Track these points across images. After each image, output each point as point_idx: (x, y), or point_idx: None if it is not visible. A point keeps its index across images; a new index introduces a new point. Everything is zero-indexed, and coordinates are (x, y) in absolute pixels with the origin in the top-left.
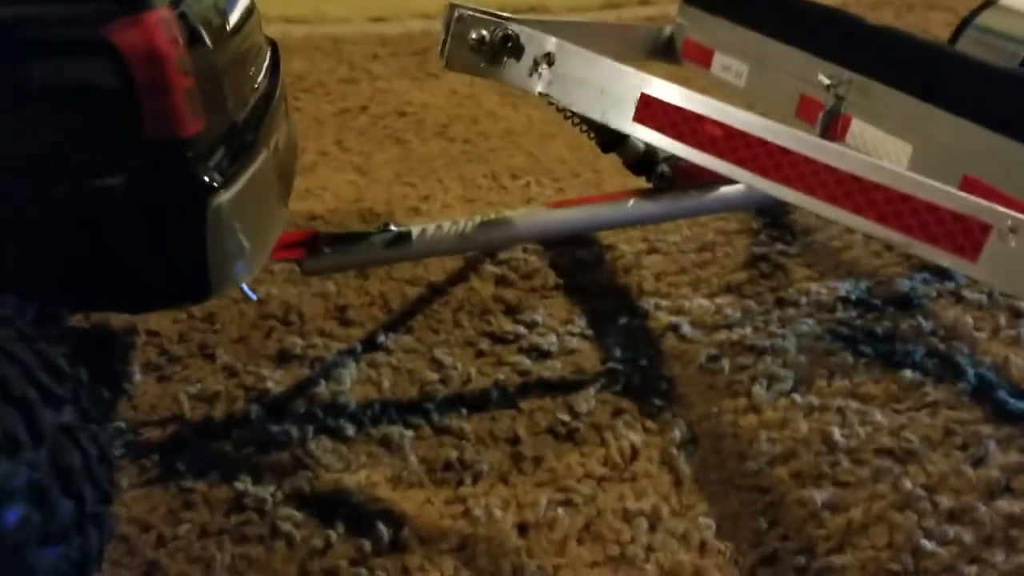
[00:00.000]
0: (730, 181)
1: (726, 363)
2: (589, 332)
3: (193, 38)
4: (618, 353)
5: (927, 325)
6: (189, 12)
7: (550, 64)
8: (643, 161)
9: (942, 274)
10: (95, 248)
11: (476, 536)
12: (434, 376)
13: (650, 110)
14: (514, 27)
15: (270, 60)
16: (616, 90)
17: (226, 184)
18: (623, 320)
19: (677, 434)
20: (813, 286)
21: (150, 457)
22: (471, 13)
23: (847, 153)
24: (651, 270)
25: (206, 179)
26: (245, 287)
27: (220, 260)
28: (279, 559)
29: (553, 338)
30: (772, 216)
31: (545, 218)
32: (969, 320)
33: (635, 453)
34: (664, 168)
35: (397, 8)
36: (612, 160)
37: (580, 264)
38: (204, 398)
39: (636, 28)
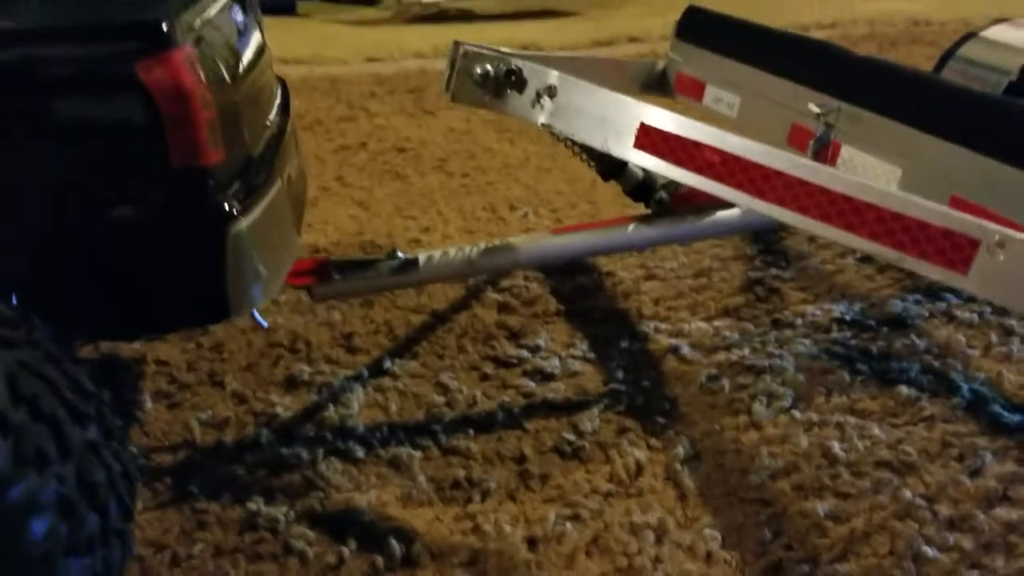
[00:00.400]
0: (727, 206)
1: (726, 382)
2: (591, 355)
3: (213, 74)
4: (620, 375)
5: (921, 343)
6: (208, 50)
7: (552, 96)
8: (642, 188)
9: (934, 295)
10: (120, 272)
11: (486, 551)
12: (440, 399)
13: (650, 138)
14: (517, 62)
15: (281, 97)
16: (616, 119)
17: (244, 212)
18: (624, 343)
19: (681, 450)
20: (808, 308)
21: (163, 480)
22: (475, 49)
23: (839, 175)
24: (650, 295)
25: (226, 207)
26: (257, 314)
27: (238, 284)
28: (293, 575)
29: (556, 361)
30: (766, 242)
31: (548, 244)
32: (962, 338)
33: (640, 469)
34: (662, 195)
35: (392, 49)
36: (608, 191)
37: (580, 290)
38: (214, 424)
39: (630, 63)
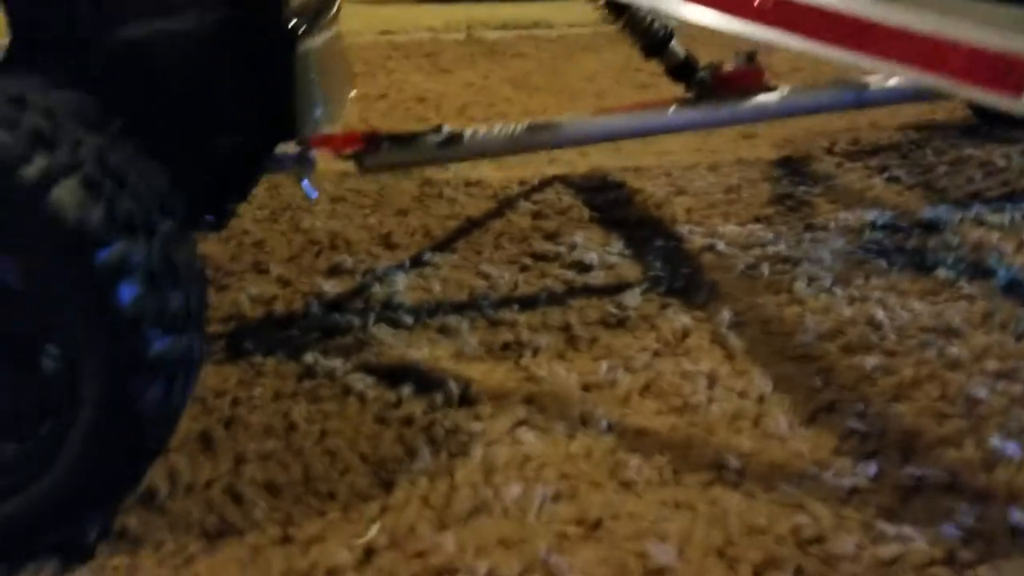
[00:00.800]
0: (767, 89)
1: (765, 268)
2: (627, 252)
3: None
4: (659, 265)
5: (954, 240)
6: None
7: None
8: (683, 68)
9: (963, 205)
10: (189, 83)
11: (542, 392)
12: (482, 284)
13: None
14: None
15: None
16: None
17: (311, 33)
18: (659, 243)
19: (725, 317)
20: (840, 214)
21: (216, 343)
22: None
23: (894, 8)
24: (681, 206)
25: (295, 25)
26: (307, 184)
27: (305, 102)
28: (354, 412)
29: (594, 255)
30: (794, 166)
31: (590, 123)
32: (994, 237)
33: (686, 333)
34: (704, 75)
35: (404, 23)
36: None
37: (612, 202)
38: (263, 301)
39: None
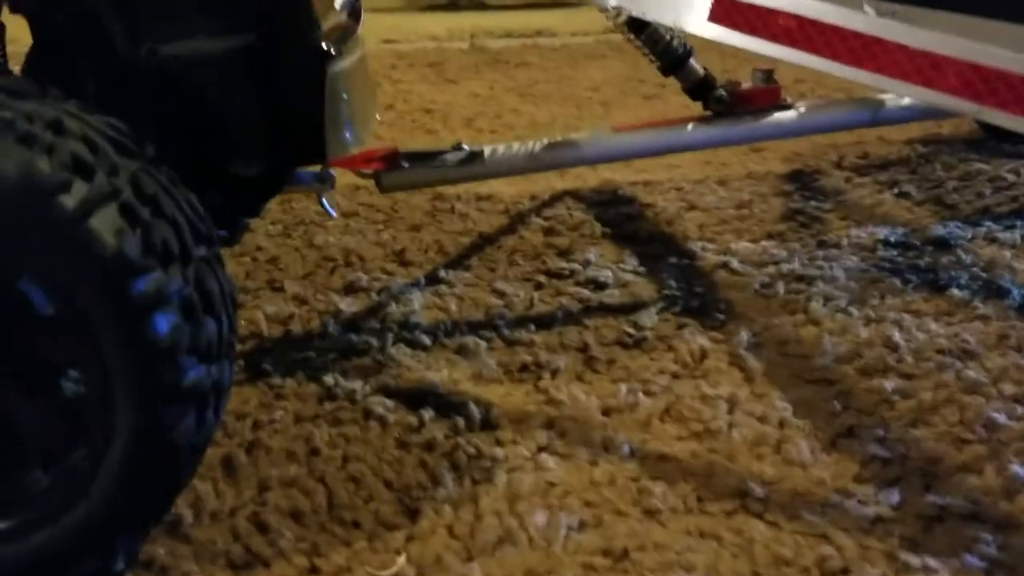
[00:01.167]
0: (785, 107)
1: (780, 287)
2: (641, 269)
3: None
4: (673, 283)
5: (967, 258)
6: None
7: None
8: (701, 86)
9: (974, 222)
10: (222, 105)
11: (562, 416)
12: (498, 302)
13: (724, 8)
14: None
15: None
16: None
17: (340, 56)
18: (673, 259)
19: (743, 338)
20: (852, 231)
21: (235, 364)
22: None
23: (917, 31)
24: (693, 222)
25: (326, 47)
26: (325, 202)
27: (335, 125)
28: (376, 436)
29: (608, 273)
30: (804, 180)
31: (610, 141)
32: (1006, 255)
33: (704, 354)
34: (722, 93)
35: (407, 32)
36: None
37: (623, 217)
38: (280, 319)
39: None
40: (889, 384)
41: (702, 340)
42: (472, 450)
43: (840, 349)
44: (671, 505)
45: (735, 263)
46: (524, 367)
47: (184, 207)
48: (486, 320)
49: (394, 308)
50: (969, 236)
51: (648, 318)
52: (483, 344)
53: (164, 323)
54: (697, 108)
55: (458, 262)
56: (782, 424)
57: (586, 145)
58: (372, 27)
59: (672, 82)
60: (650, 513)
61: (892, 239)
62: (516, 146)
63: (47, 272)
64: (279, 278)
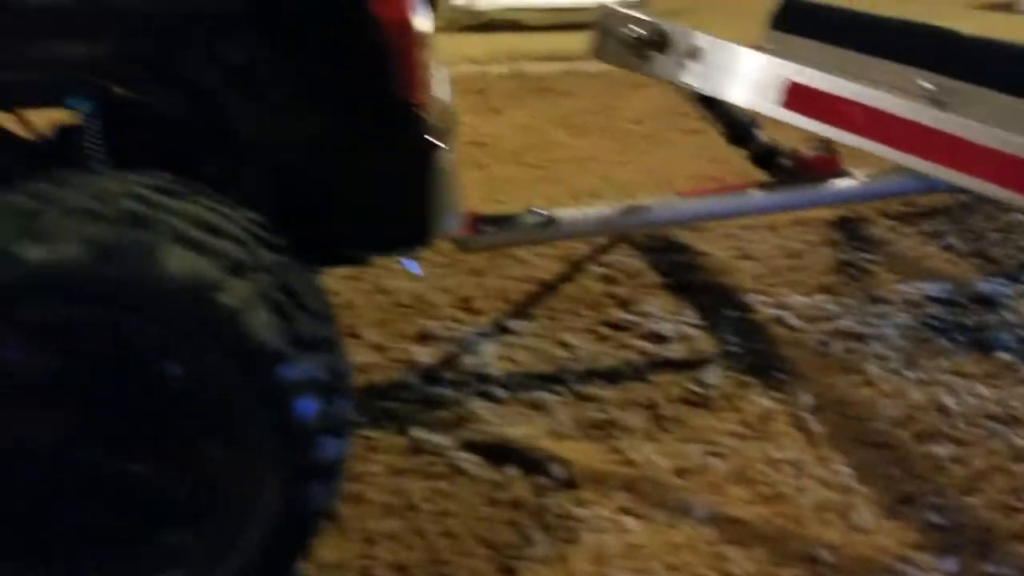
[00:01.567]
0: (844, 175)
1: (836, 346)
2: (700, 322)
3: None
4: (732, 339)
5: (1012, 318)
6: None
7: (695, 57)
8: (766, 154)
9: (1014, 278)
10: (338, 192)
11: (639, 477)
12: (565, 355)
13: (798, 96)
14: (663, 24)
15: None
16: (765, 79)
17: (444, 148)
18: (729, 312)
19: (804, 400)
20: (901, 287)
21: None
22: (622, 11)
23: (989, 130)
24: (746, 272)
25: (431, 139)
26: (409, 262)
27: (437, 210)
28: (466, 492)
29: (668, 326)
30: (852, 229)
31: (678, 207)
32: None
33: (768, 416)
34: (785, 162)
35: (448, 54)
36: (685, 184)
37: (678, 266)
38: (362, 368)
39: None
40: (943, 450)
41: (765, 401)
42: (557, 509)
43: (895, 412)
44: (747, 570)
45: (791, 318)
46: (596, 424)
47: (318, 297)
48: (555, 373)
49: (468, 359)
50: (1012, 293)
51: (712, 376)
52: (555, 399)
53: (306, 406)
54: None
55: (522, 311)
56: (845, 490)
57: (656, 210)
58: None
59: None
60: None
61: (939, 295)
62: (588, 211)
63: (203, 360)
64: (356, 324)
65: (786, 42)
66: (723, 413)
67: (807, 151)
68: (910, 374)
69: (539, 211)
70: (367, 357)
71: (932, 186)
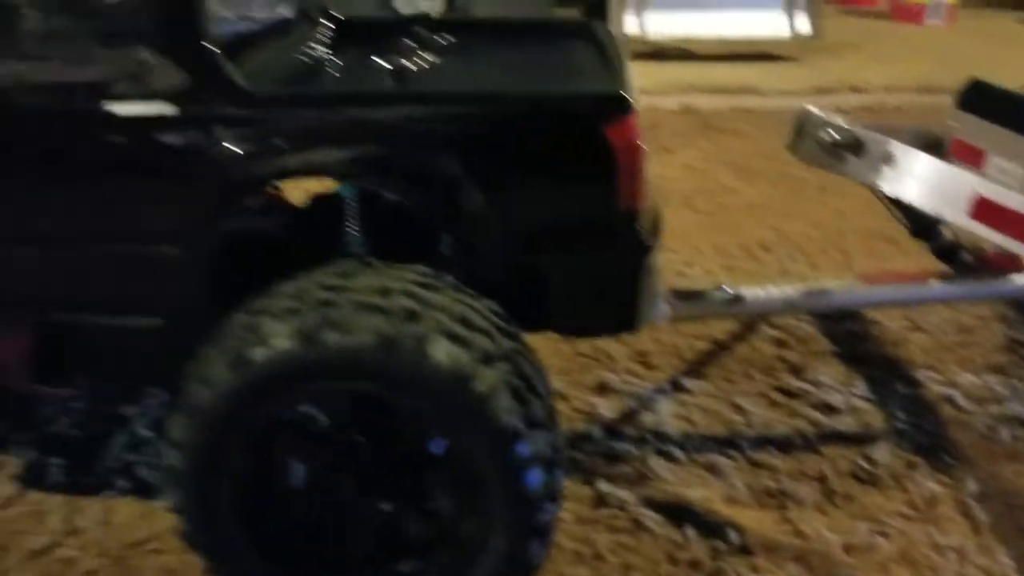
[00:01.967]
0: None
1: (1004, 432)
2: (871, 396)
3: None
4: (902, 416)
5: None
6: None
7: (888, 163)
8: (949, 249)
9: None
10: (568, 287)
11: (810, 550)
12: (738, 419)
13: (986, 210)
14: (859, 131)
15: None
16: (954, 191)
17: (654, 247)
18: (899, 387)
19: (970, 487)
20: None
21: None
22: (820, 116)
23: None
24: (918, 346)
25: (647, 241)
26: None
27: (645, 303)
28: (648, 548)
29: (839, 397)
30: (1021, 303)
31: (860, 291)
32: None
33: (934, 500)
34: (967, 257)
35: None
36: (858, 241)
37: (851, 334)
38: None
39: (905, 126)
40: None
41: (932, 484)
42: (733, 575)
43: None
44: None
45: (960, 398)
46: (769, 493)
47: (544, 380)
48: (729, 436)
49: (646, 416)
50: None
51: (881, 453)
52: (729, 463)
53: (534, 477)
54: None
55: (696, 369)
56: None
57: (837, 295)
58: None
59: None
60: None
61: None
62: (774, 291)
63: (457, 435)
64: None
65: (969, 122)
66: (890, 492)
67: (988, 248)
68: None
69: (727, 289)
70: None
71: None
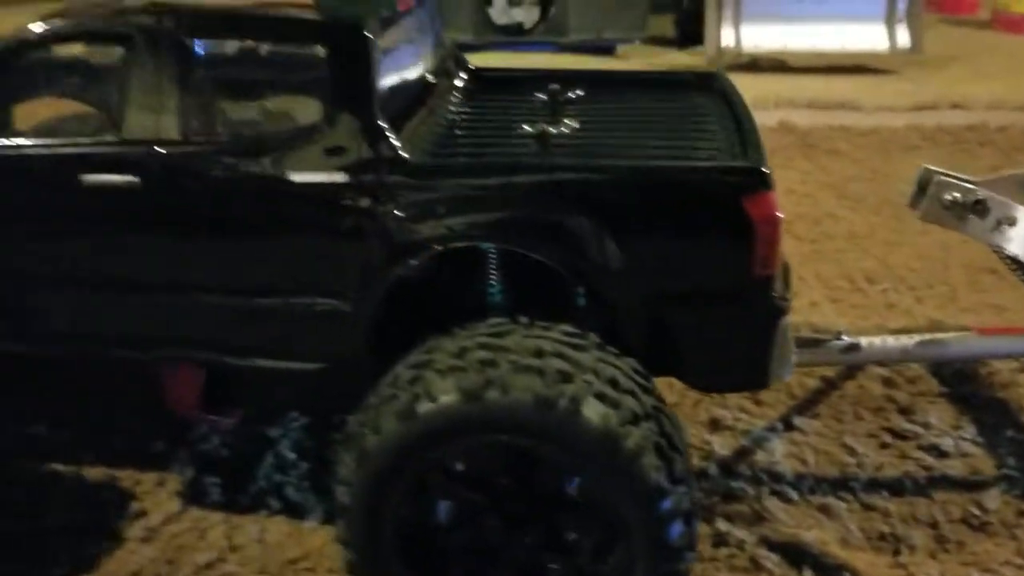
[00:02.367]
0: None
1: None
2: (979, 439)
3: None
4: (1011, 462)
5: None
6: None
7: (1011, 224)
8: None
9: None
10: (705, 347)
11: None
12: (850, 460)
13: None
14: (982, 192)
15: None
16: None
17: (787, 310)
18: (1009, 432)
19: None
20: None
21: None
22: (944, 178)
23: None
24: None
25: (779, 304)
26: None
27: (777, 362)
28: None
29: (949, 440)
30: None
31: (976, 343)
32: None
33: None
34: None
35: None
36: (961, 276)
37: (959, 375)
38: None
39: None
40: None
41: None
42: None
43: None
44: None
45: None
46: (883, 536)
47: (682, 437)
48: (841, 478)
49: (759, 455)
50: None
51: (991, 500)
52: (842, 506)
53: (677, 530)
54: None
55: (806, 407)
56: None
57: (953, 346)
58: None
59: None
60: None
61: None
62: (890, 340)
63: (608, 491)
64: None
65: None
66: (1001, 539)
67: None
68: None
69: (845, 338)
70: None
71: None
